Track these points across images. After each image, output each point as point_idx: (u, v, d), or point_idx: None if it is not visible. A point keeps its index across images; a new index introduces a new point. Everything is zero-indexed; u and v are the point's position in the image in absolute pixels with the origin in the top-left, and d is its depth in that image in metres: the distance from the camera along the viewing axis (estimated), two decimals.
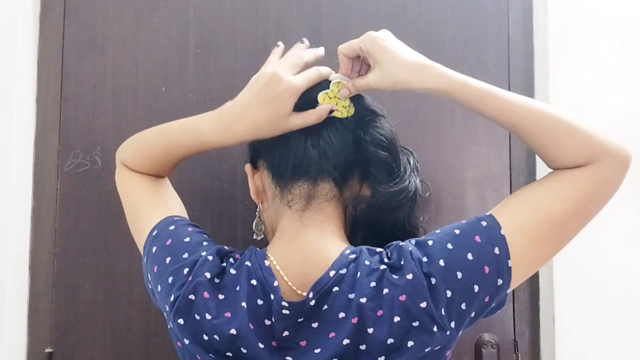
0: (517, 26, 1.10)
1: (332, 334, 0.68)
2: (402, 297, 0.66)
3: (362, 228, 0.79)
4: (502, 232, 0.68)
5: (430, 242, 0.70)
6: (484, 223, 0.70)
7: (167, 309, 0.74)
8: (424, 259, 0.69)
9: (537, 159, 1.08)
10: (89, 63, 1.08)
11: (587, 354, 1.02)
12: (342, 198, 0.77)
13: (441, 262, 0.68)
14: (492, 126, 1.08)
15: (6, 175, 1.03)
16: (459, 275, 0.67)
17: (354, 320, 0.66)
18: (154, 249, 0.79)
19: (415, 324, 0.66)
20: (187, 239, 0.78)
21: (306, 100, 0.77)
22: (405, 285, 0.67)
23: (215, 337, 0.69)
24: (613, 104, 1.05)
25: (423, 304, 0.66)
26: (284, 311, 0.69)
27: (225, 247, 0.77)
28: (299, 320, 0.69)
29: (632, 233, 1.03)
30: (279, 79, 0.75)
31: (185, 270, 0.73)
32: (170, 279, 0.74)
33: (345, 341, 0.66)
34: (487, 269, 0.68)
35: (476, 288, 0.68)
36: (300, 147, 0.75)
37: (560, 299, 1.02)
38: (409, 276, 0.67)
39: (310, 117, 0.75)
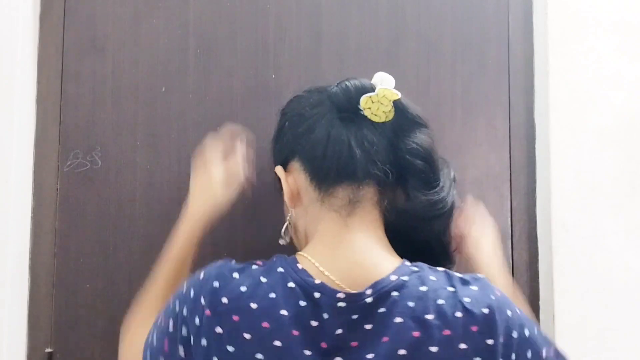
0: (517, 26, 1.10)
1: (385, 338, 0.66)
2: (474, 328, 0.66)
3: (397, 236, 0.77)
4: None
5: (517, 310, 0.71)
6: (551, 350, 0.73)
7: (192, 352, 0.69)
8: (517, 311, 0.70)
9: (537, 158, 1.08)
10: (89, 63, 1.08)
11: (587, 354, 1.02)
12: (383, 204, 0.76)
13: (527, 332, 0.69)
14: (492, 126, 1.09)
15: (6, 175, 1.03)
16: (529, 354, 0.68)
17: (416, 334, 0.65)
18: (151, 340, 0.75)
19: (477, 359, 0.66)
20: (163, 310, 0.75)
21: (348, 103, 0.75)
22: (479, 317, 0.66)
23: (259, 355, 0.65)
24: (613, 104, 1.05)
25: (490, 341, 0.65)
26: (340, 304, 0.67)
27: (233, 262, 0.74)
28: (353, 317, 0.67)
29: (632, 233, 1.03)
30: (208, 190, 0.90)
31: (171, 322, 0.71)
32: (165, 341, 0.71)
33: (402, 351, 0.64)
34: None
35: None
36: (344, 147, 0.73)
37: (560, 299, 1.02)
38: (485, 310, 0.67)
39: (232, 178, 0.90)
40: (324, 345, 0.66)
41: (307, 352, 0.65)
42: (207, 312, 0.68)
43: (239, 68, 1.08)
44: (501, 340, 0.66)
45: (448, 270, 0.71)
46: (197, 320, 0.68)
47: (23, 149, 1.06)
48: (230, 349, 0.66)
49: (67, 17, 1.09)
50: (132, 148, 1.07)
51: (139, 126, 1.07)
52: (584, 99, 1.05)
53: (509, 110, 1.09)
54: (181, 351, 0.69)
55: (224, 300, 0.68)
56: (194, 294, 0.70)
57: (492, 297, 0.68)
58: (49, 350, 1.05)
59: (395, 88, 0.77)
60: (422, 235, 0.77)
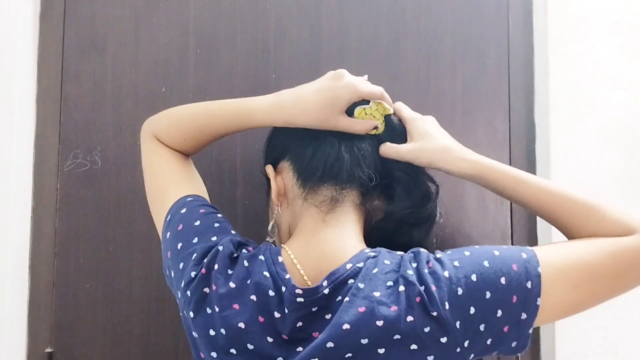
0: (517, 26, 1.10)
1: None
2: (418, 299, 0.66)
3: (376, 240, 0.79)
4: (539, 269, 0.68)
5: (467, 253, 0.70)
6: (524, 255, 0.70)
7: (180, 295, 0.75)
8: (456, 264, 0.68)
9: (537, 158, 1.08)
10: (89, 63, 1.08)
11: (587, 354, 1.02)
12: (365, 208, 0.79)
13: (473, 277, 0.67)
14: (492, 126, 1.09)
15: (6, 175, 1.03)
16: (488, 295, 0.67)
17: (361, 309, 0.66)
18: (168, 234, 0.80)
19: (426, 329, 0.65)
20: (197, 222, 0.78)
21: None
22: (420, 288, 0.66)
23: (222, 331, 0.69)
24: (613, 104, 1.05)
25: (434, 313, 0.65)
26: (298, 299, 0.68)
27: (238, 237, 0.77)
28: (313, 309, 0.69)
29: None
30: (342, 76, 0.78)
31: (194, 256, 0.74)
32: (181, 265, 0.75)
33: (346, 326, 0.65)
34: (514, 299, 0.67)
35: (499, 313, 0.67)
36: (333, 150, 0.77)
37: None
38: (422, 285, 0.67)
39: (357, 126, 0.78)
40: (284, 336, 0.69)
41: (269, 339, 0.69)
42: (203, 270, 0.72)
43: (239, 68, 1.08)
44: (447, 307, 0.65)
45: (404, 254, 0.72)
46: (193, 273, 0.73)
47: (23, 149, 1.06)
48: (208, 310, 0.71)
49: (67, 17, 1.09)
50: (132, 148, 1.07)
51: (139, 126, 1.06)
52: (584, 99, 1.05)
53: (509, 110, 1.09)
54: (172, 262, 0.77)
55: (216, 266, 0.72)
56: (206, 249, 0.75)
57: (429, 266, 0.68)
58: (49, 350, 1.05)
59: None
60: (403, 240, 0.79)
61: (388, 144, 0.81)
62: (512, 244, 1.06)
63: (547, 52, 1.06)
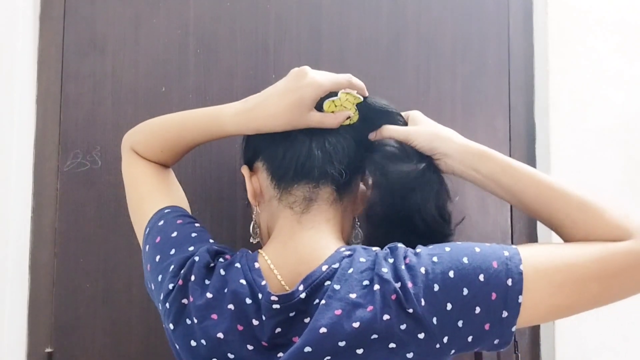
0: (517, 26, 1.10)
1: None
2: (393, 297, 0.65)
3: (382, 223, 0.78)
4: (522, 267, 0.66)
5: (447, 249, 0.69)
6: (506, 253, 0.68)
7: (160, 308, 0.74)
8: (435, 259, 0.67)
9: (537, 159, 1.08)
10: (89, 63, 1.08)
11: (587, 354, 1.02)
12: (342, 203, 0.78)
13: (451, 273, 0.66)
14: (492, 126, 1.09)
15: (6, 175, 1.03)
16: (465, 291, 0.65)
17: (337, 312, 0.65)
18: (147, 247, 0.79)
19: (403, 326, 0.65)
20: (175, 234, 0.78)
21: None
22: (395, 286, 0.65)
23: (203, 341, 0.69)
24: (613, 104, 1.05)
25: (410, 310, 0.64)
26: (274, 306, 0.68)
27: (215, 246, 0.76)
28: (291, 314, 0.68)
29: None
30: (305, 74, 0.76)
31: (171, 268, 0.73)
32: (159, 278, 0.75)
33: (322, 330, 0.65)
34: (494, 296, 0.66)
35: (477, 310, 0.65)
36: (304, 148, 0.76)
37: None
38: (399, 282, 0.66)
39: (328, 120, 0.76)
40: (264, 343, 0.68)
41: (249, 347, 0.68)
42: (180, 282, 0.72)
43: (239, 68, 1.08)
44: (422, 304, 0.64)
45: (379, 251, 0.71)
46: (170, 285, 0.73)
47: (23, 149, 1.06)
48: (188, 322, 0.70)
49: (67, 17, 1.09)
50: None
51: None
52: (584, 98, 1.05)
53: (509, 110, 1.09)
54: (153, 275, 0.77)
55: (192, 277, 0.72)
56: (183, 260, 0.74)
57: (406, 262, 0.67)
58: (49, 350, 1.05)
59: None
60: (405, 210, 0.76)
61: (387, 126, 0.80)
62: (512, 244, 1.06)
63: (547, 52, 1.06)
